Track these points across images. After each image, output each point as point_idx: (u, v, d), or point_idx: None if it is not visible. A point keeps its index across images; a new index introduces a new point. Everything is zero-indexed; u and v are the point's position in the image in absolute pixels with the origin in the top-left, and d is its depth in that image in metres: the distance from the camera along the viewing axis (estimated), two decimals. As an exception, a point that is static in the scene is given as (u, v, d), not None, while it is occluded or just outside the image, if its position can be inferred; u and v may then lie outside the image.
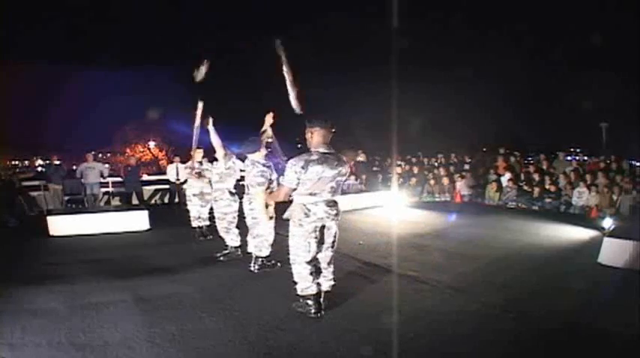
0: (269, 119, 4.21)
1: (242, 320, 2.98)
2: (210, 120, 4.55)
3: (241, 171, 4.49)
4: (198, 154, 5.57)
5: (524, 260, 4.58)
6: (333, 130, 2.96)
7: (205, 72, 4.55)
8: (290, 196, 2.98)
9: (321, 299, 3.04)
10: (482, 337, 2.73)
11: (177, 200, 9.38)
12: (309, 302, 2.99)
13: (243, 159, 4.23)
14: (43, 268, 4.40)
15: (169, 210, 8.79)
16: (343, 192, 3.09)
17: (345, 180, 3.03)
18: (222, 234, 4.75)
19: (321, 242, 2.98)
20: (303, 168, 2.81)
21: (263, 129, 4.19)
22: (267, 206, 3.67)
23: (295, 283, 3.04)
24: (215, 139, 4.55)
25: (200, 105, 4.72)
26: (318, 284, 3.02)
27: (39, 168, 21.58)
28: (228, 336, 2.73)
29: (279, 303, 3.23)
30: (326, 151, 2.91)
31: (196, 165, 5.59)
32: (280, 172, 3.57)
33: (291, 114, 3.32)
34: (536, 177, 8.76)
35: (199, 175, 5.55)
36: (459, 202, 9.07)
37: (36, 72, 17.85)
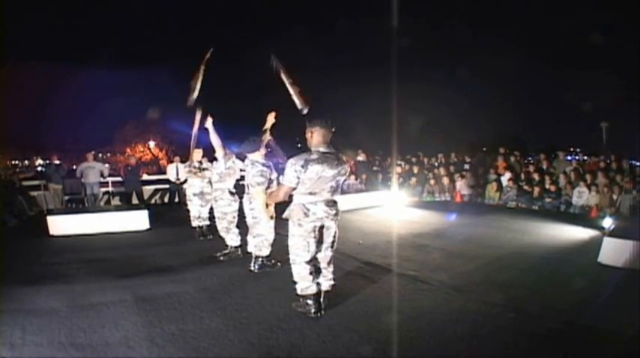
0: (271, 118, 4.22)
1: (242, 320, 2.98)
2: (210, 120, 4.55)
3: (241, 170, 4.49)
4: (197, 154, 5.62)
5: (524, 259, 4.57)
6: (333, 130, 2.96)
7: (199, 85, 4.54)
8: (290, 196, 2.97)
9: (321, 299, 3.05)
10: (482, 336, 2.73)
11: (177, 200, 9.40)
12: (309, 301, 3.00)
13: (242, 158, 4.23)
14: (43, 268, 4.39)
15: (169, 209, 8.79)
16: (343, 192, 3.08)
17: (344, 180, 3.03)
18: (222, 233, 4.75)
19: (320, 242, 2.98)
20: (303, 166, 2.81)
21: (265, 127, 4.20)
22: (267, 206, 3.65)
23: (295, 283, 3.04)
24: (215, 139, 4.55)
25: (199, 112, 4.75)
26: (318, 284, 3.02)
27: (39, 168, 21.58)
28: (229, 336, 2.73)
29: (279, 303, 3.24)
30: (326, 151, 2.91)
31: (195, 164, 5.64)
32: (280, 172, 3.56)
33: (289, 113, 3.32)
34: (536, 176, 8.76)
35: (199, 170, 5.58)
36: (459, 202, 9.07)
37: (36, 72, 17.86)
